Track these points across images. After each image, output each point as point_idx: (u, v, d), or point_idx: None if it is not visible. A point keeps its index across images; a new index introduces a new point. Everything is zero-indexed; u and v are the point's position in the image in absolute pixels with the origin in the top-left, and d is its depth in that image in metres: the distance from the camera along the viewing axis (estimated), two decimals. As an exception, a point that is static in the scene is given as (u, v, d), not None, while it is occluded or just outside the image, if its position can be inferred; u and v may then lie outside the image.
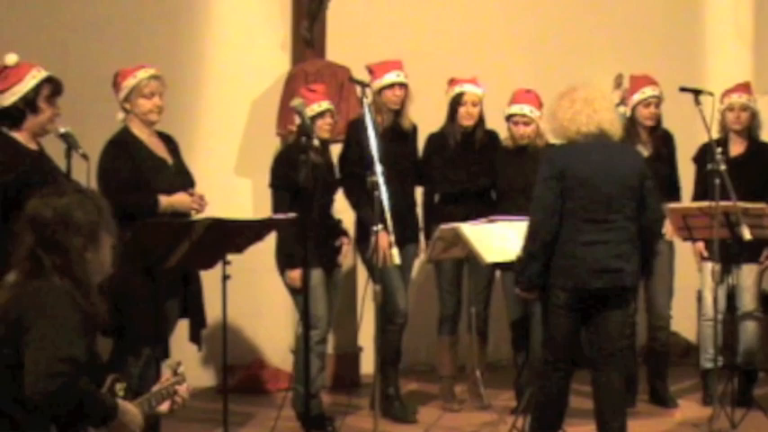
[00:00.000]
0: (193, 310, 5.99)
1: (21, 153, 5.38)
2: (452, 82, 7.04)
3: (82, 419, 3.65)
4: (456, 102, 6.99)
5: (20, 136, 5.41)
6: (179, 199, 5.84)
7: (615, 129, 5.53)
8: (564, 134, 5.51)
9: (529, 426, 5.71)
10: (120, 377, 3.86)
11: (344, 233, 6.80)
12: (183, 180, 5.97)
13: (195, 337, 6.02)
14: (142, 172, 5.80)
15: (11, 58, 5.40)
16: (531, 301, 5.99)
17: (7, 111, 5.40)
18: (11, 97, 5.40)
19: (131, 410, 3.83)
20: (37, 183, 5.23)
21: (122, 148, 5.84)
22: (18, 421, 3.66)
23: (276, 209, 6.43)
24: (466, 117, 6.98)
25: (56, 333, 3.59)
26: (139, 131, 5.92)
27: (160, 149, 5.97)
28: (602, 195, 5.42)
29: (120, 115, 5.92)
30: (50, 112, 5.45)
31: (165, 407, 4.03)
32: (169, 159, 5.98)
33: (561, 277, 5.44)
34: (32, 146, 5.45)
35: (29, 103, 5.40)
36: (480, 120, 7.03)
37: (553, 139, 5.70)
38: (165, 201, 5.78)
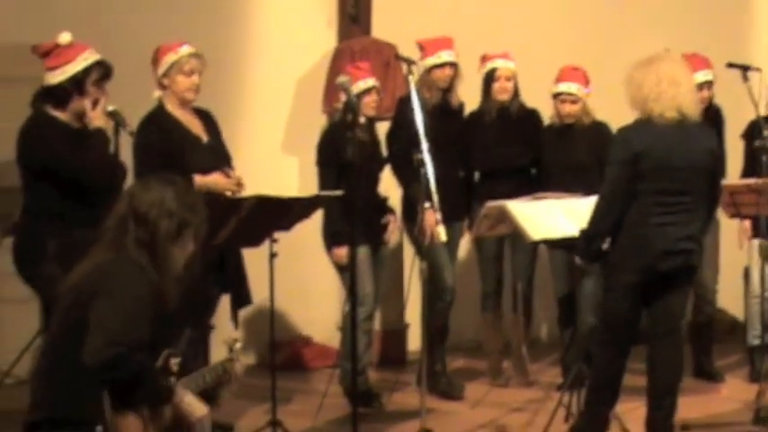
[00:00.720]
0: (234, 287, 6.02)
1: (64, 131, 5.39)
2: (485, 58, 7.01)
3: (136, 394, 3.72)
4: (489, 77, 6.98)
5: (63, 116, 5.41)
6: (214, 179, 5.81)
7: (695, 111, 5.43)
8: (644, 109, 5.39)
9: (584, 403, 5.70)
10: (175, 353, 3.91)
11: (391, 211, 6.82)
12: (217, 158, 5.93)
13: (233, 315, 6.05)
14: (176, 150, 5.76)
15: (64, 37, 5.39)
16: (579, 277, 5.98)
17: (54, 89, 5.40)
18: (60, 76, 5.39)
19: (192, 400, 3.88)
20: (79, 160, 5.30)
21: (156, 125, 5.82)
22: (69, 385, 3.74)
23: (323, 186, 6.45)
24: (500, 92, 6.96)
25: (121, 304, 3.70)
26: (174, 109, 5.89)
27: (195, 127, 5.94)
28: (676, 177, 5.35)
29: (157, 93, 5.91)
30: (97, 95, 5.46)
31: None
32: (204, 137, 5.95)
33: (630, 258, 5.39)
34: (76, 125, 5.45)
35: (77, 85, 5.39)
36: (516, 94, 7.01)
37: (632, 109, 5.52)
38: (199, 180, 5.71)
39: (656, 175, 5.33)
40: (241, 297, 6.08)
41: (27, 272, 5.39)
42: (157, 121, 5.85)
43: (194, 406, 3.90)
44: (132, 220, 3.89)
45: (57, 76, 5.39)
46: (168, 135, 5.82)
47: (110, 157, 5.43)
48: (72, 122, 5.43)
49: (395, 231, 6.92)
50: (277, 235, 5.82)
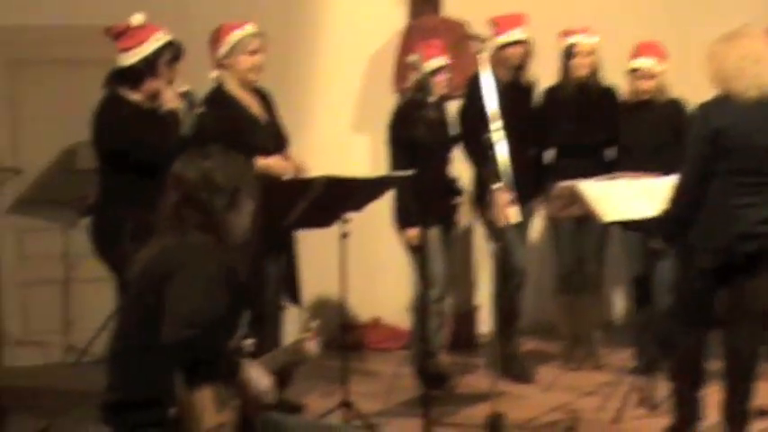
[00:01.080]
0: (290, 269, 6.01)
1: (138, 113, 5.40)
2: (564, 33, 6.93)
3: (208, 372, 3.73)
4: (568, 53, 6.89)
5: (136, 97, 5.43)
6: (275, 163, 5.79)
7: None
8: (725, 87, 5.27)
9: (674, 388, 5.61)
10: (248, 334, 3.91)
11: (461, 191, 6.76)
12: (276, 138, 5.91)
13: (292, 296, 6.04)
14: (234, 130, 5.72)
15: (137, 18, 5.41)
16: (655, 259, 5.88)
17: (127, 71, 5.42)
18: (132, 57, 5.41)
19: (258, 374, 3.87)
20: (153, 141, 5.31)
21: (217, 106, 5.78)
22: (143, 369, 3.76)
23: (394, 166, 6.42)
24: (579, 67, 6.87)
25: (195, 286, 3.71)
26: (235, 89, 5.86)
27: (254, 107, 5.91)
28: (756, 157, 5.24)
29: (215, 73, 5.89)
30: (168, 76, 5.46)
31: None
32: (263, 117, 5.92)
33: (709, 239, 5.29)
34: (149, 106, 5.45)
35: (149, 66, 5.41)
36: (595, 71, 6.91)
37: (713, 86, 5.41)
38: (260, 162, 5.68)
39: (736, 154, 5.23)
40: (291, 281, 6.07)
41: (105, 252, 5.44)
42: (217, 100, 5.81)
43: (260, 379, 3.89)
44: (185, 206, 3.87)
45: (129, 58, 5.41)
46: (227, 115, 5.78)
47: (183, 138, 5.43)
48: (145, 103, 5.45)
49: (465, 212, 6.87)
50: (348, 215, 5.79)
